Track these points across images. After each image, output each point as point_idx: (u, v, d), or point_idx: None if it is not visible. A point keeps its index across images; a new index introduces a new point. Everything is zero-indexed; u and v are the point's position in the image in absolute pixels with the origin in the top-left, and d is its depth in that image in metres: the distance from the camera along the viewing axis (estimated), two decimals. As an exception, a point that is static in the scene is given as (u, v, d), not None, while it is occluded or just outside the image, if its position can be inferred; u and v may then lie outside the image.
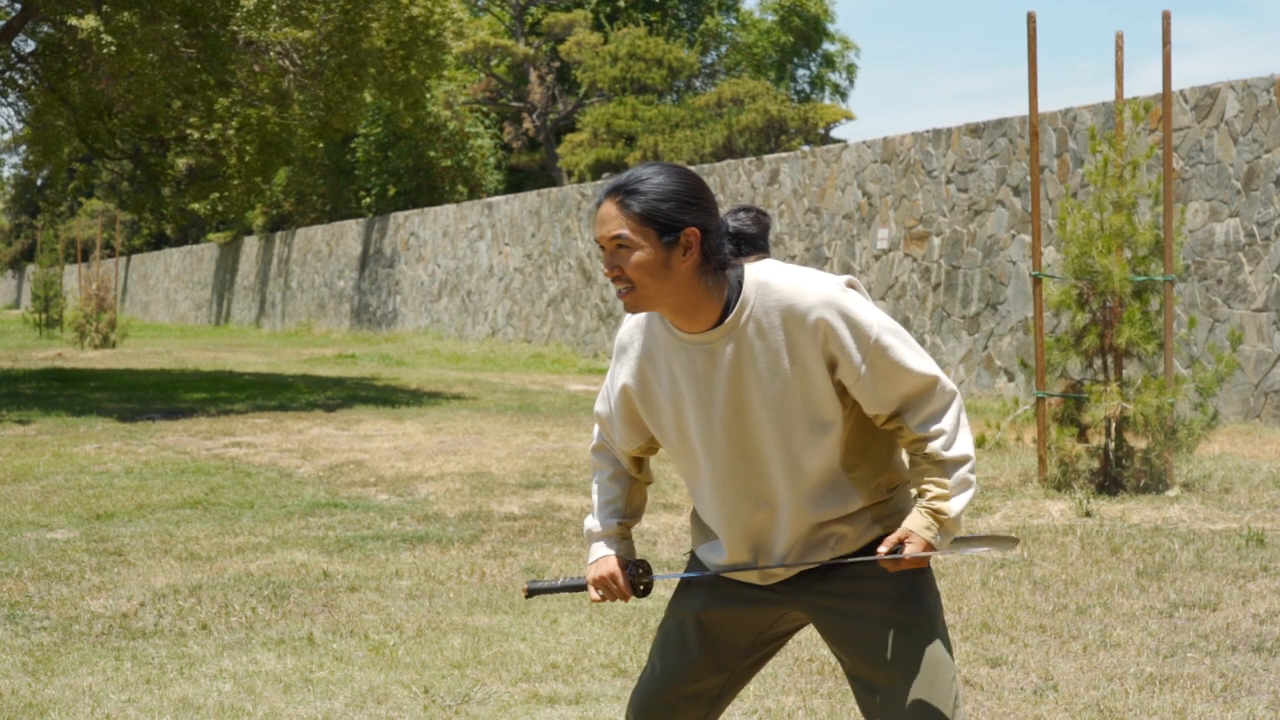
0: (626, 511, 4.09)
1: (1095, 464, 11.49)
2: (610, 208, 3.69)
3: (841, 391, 3.74)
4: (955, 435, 3.74)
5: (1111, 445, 11.41)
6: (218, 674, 6.70)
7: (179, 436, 16.27)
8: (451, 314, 36.47)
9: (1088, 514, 10.45)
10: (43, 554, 9.47)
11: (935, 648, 3.80)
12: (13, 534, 10.21)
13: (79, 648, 7.20)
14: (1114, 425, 11.32)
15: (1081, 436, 11.52)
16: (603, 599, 4.03)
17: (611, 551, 4.03)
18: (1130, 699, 6.20)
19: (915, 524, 3.72)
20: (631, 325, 3.93)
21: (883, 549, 3.70)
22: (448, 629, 7.54)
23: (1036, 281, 11.82)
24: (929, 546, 3.70)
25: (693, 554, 4.08)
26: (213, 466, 13.67)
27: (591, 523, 4.09)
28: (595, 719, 6.06)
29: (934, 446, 3.73)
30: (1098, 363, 11.64)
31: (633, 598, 4.04)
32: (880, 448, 3.85)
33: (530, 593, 4.11)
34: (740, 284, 3.74)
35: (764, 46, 50.76)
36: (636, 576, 4.04)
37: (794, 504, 3.79)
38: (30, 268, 67.81)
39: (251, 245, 51.77)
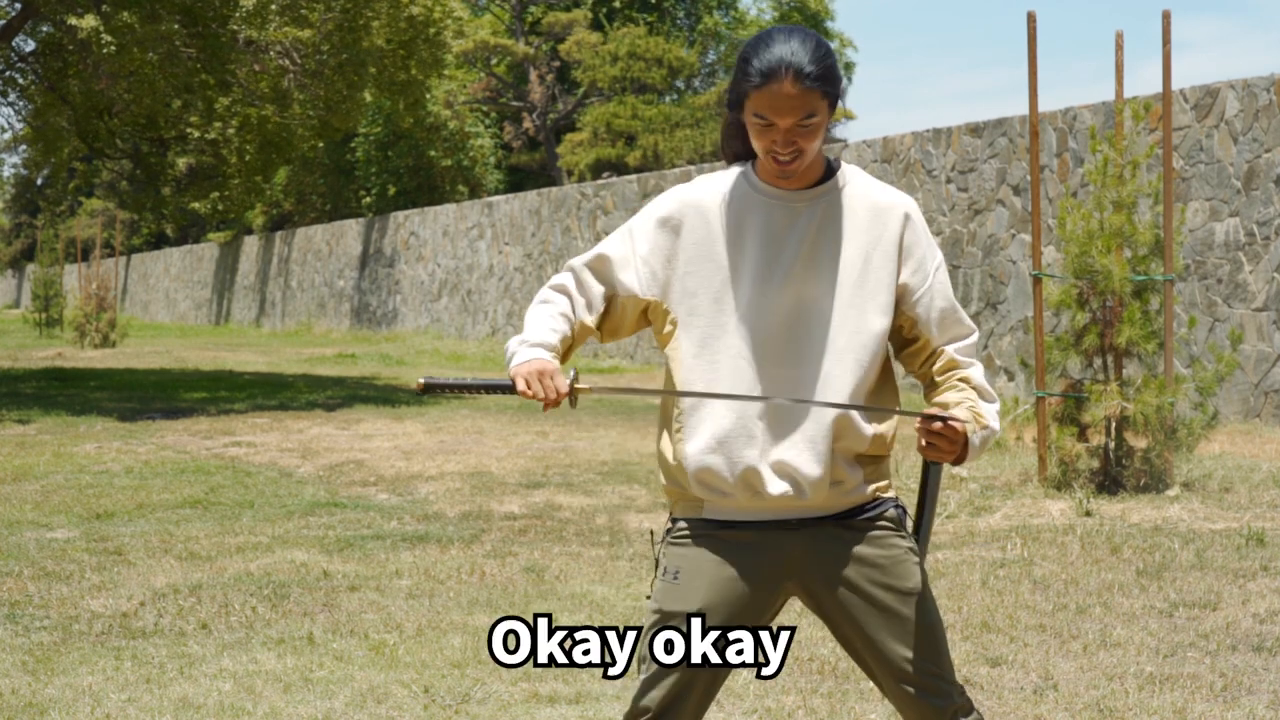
0: (565, 338, 3.87)
1: (1095, 463, 11.49)
2: (791, 88, 3.65)
3: (893, 303, 3.82)
4: (973, 345, 3.92)
5: (1111, 445, 11.41)
6: (218, 673, 6.70)
7: (179, 436, 16.27)
8: (451, 313, 36.47)
9: (1088, 513, 10.45)
10: (43, 553, 9.47)
11: (928, 623, 3.85)
12: (13, 533, 10.21)
13: (79, 647, 7.20)
14: (1114, 425, 11.32)
15: (1081, 436, 11.52)
16: (531, 396, 3.70)
17: (548, 355, 3.79)
18: (1130, 698, 6.21)
19: (959, 411, 3.74)
20: (683, 193, 3.88)
21: (926, 415, 3.67)
22: (448, 628, 7.54)
23: (1036, 281, 11.82)
24: (964, 438, 3.69)
25: (672, 535, 3.94)
26: (213, 466, 13.67)
27: (524, 335, 3.85)
28: (595, 718, 6.05)
29: (974, 373, 3.86)
30: (1098, 362, 11.64)
31: (564, 404, 3.78)
32: (889, 395, 3.89)
33: (426, 388, 3.80)
34: (836, 162, 3.86)
35: None
36: (573, 381, 3.77)
37: (824, 384, 3.78)
38: (30, 267, 67.80)
39: (251, 245, 51.77)
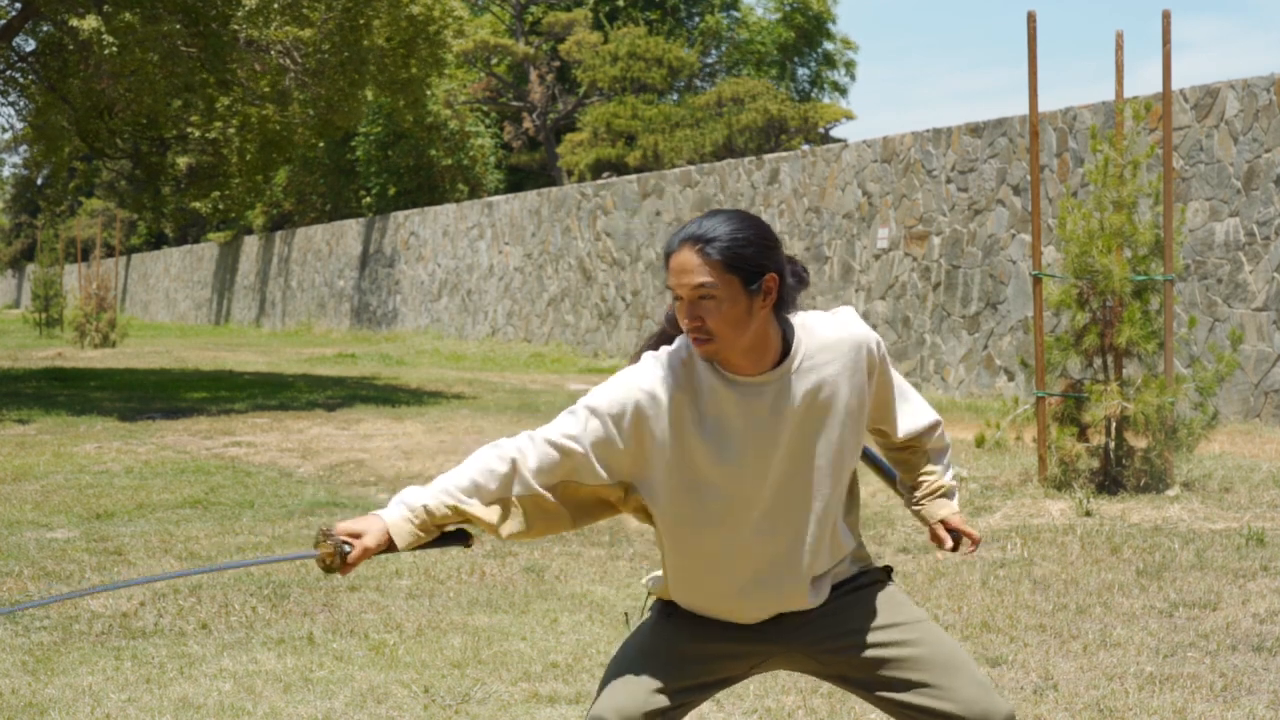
0: (474, 505, 3.70)
1: (1095, 463, 11.49)
2: (689, 256, 3.63)
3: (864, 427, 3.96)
4: (939, 429, 4.15)
5: (1112, 445, 11.41)
6: (218, 673, 6.70)
7: (179, 436, 16.27)
8: (451, 313, 36.47)
9: (1088, 513, 10.45)
10: (43, 553, 9.47)
11: (942, 637, 3.90)
12: (13, 533, 10.21)
13: (79, 647, 7.20)
14: (1114, 425, 11.32)
15: (1081, 436, 11.51)
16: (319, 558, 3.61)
17: (394, 518, 3.65)
18: (1130, 698, 6.21)
19: (947, 510, 4.12)
20: (639, 376, 3.74)
21: (949, 544, 4.10)
22: (448, 628, 7.54)
23: (1037, 281, 11.82)
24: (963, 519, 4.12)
25: (659, 609, 4.00)
26: (213, 466, 13.67)
27: (415, 493, 3.70)
28: (595, 718, 6.05)
29: (932, 440, 4.12)
30: (1098, 362, 11.63)
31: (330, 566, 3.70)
32: (854, 492, 4.01)
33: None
34: (791, 327, 3.79)
35: (765, 44, 50.76)
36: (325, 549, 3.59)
37: (815, 550, 3.83)
38: (30, 267, 67.74)
39: (251, 245, 51.77)
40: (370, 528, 3.63)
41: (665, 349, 3.78)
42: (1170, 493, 11.07)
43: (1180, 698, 6.21)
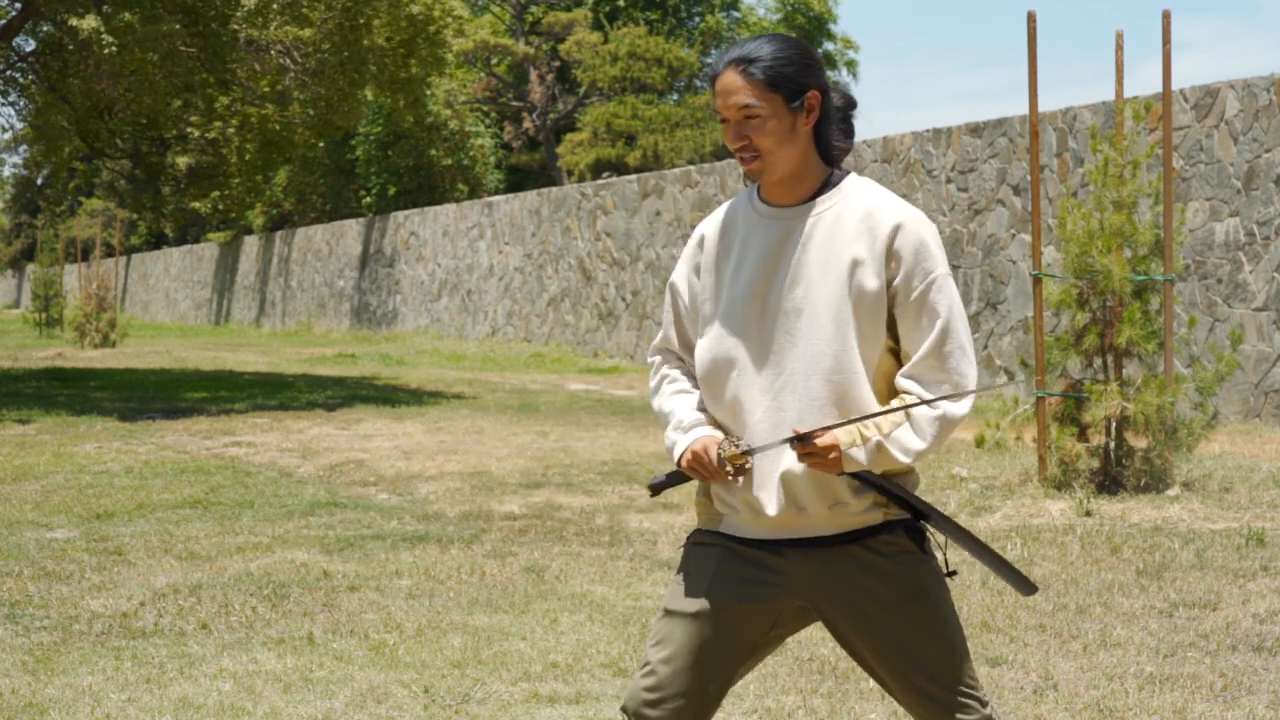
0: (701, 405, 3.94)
1: (1095, 463, 11.49)
2: (733, 77, 3.76)
3: (890, 321, 3.79)
4: (930, 420, 3.76)
5: (1112, 445, 11.41)
6: (218, 673, 6.70)
7: (179, 436, 16.28)
8: (451, 313, 36.47)
9: (1088, 513, 10.45)
10: (43, 553, 9.47)
11: (948, 641, 3.86)
12: (13, 533, 10.21)
13: (79, 647, 7.20)
14: (1114, 425, 11.32)
15: (1081, 436, 11.51)
16: (701, 478, 3.83)
17: (708, 431, 3.84)
18: (1130, 698, 6.21)
19: (840, 432, 3.69)
20: (712, 215, 3.99)
21: (798, 433, 3.67)
22: (448, 628, 7.54)
23: (1037, 281, 11.83)
24: (837, 450, 3.66)
25: (691, 538, 4.01)
26: (213, 466, 13.67)
27: (678, 416, 3.92)
28: (595, 719, 6.05)
29: (915, 388, 3.77)
30: (1098, 362, 11.64)
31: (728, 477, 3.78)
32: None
33: (653, 490, 3.92)
34: (841, 175, 3.88)
35: None
36: (730, 453, 3.75)
37: (818, 397, 3.76)
38: (30, 267, 67.70)
39: (251, 245, 51.79)
40: (705, 443, 3.83)
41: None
42: (1170, 493, 11.07)
43: (1180, 698, 6.21)
